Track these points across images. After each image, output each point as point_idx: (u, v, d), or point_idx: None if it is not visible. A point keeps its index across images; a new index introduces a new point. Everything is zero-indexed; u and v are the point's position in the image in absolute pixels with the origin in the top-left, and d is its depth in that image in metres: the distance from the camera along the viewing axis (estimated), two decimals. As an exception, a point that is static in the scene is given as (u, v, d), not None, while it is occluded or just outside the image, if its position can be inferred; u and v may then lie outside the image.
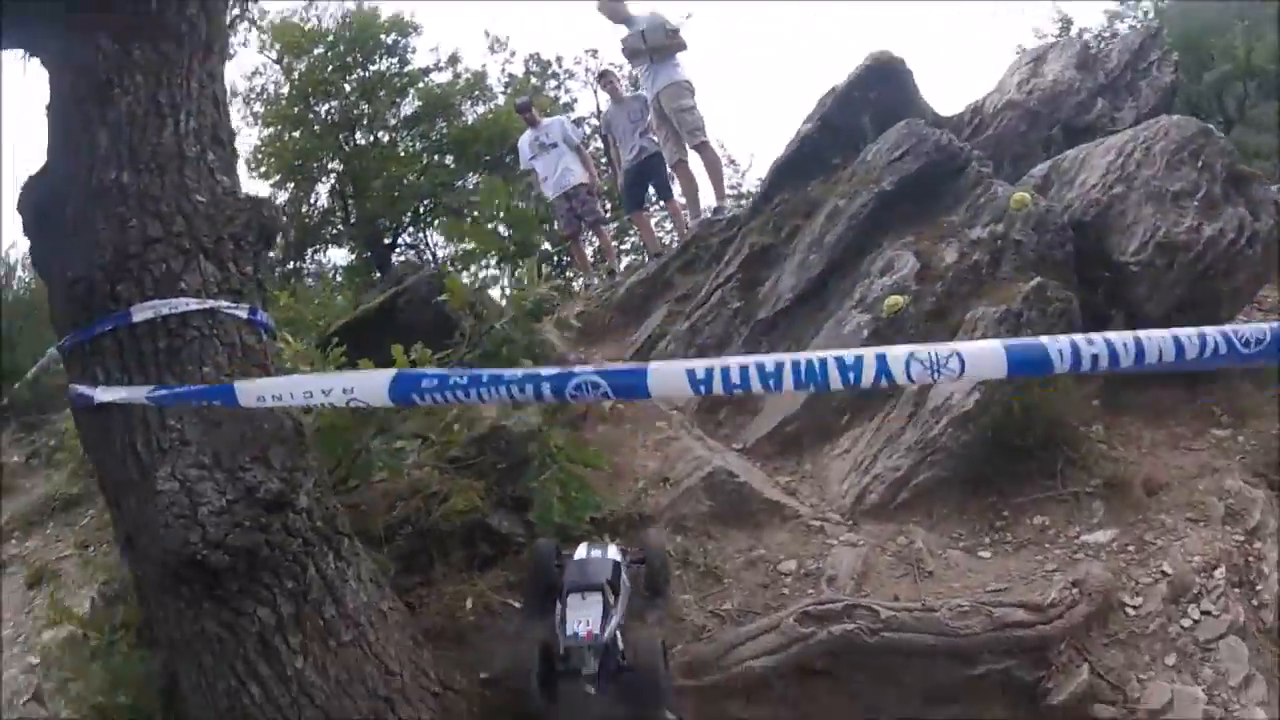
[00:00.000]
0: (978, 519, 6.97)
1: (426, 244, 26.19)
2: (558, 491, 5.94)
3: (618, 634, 4.26)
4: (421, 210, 24.89)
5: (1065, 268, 8.00)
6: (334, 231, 24.93)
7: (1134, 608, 6.23)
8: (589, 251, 13.12)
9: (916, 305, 7.99)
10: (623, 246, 21.32)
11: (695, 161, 11.22)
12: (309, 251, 24.82)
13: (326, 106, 23.83)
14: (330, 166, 24.36)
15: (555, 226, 12.88)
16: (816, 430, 7.98)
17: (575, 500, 6.03)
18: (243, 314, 4.14)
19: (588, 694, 4.05)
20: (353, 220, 24.28)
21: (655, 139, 11.21)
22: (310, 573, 4.15)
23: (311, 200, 24.51)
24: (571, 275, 21.02)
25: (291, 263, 23.84)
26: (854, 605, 5.81)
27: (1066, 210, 8.37)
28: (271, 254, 4.85)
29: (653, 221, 13.46)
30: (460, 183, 25.12)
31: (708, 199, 11.36)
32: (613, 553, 4.81)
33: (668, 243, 11.98)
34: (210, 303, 4.02)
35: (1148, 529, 6.77)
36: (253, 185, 25.54)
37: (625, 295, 10.63)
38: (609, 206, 13.85)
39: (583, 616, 4.01)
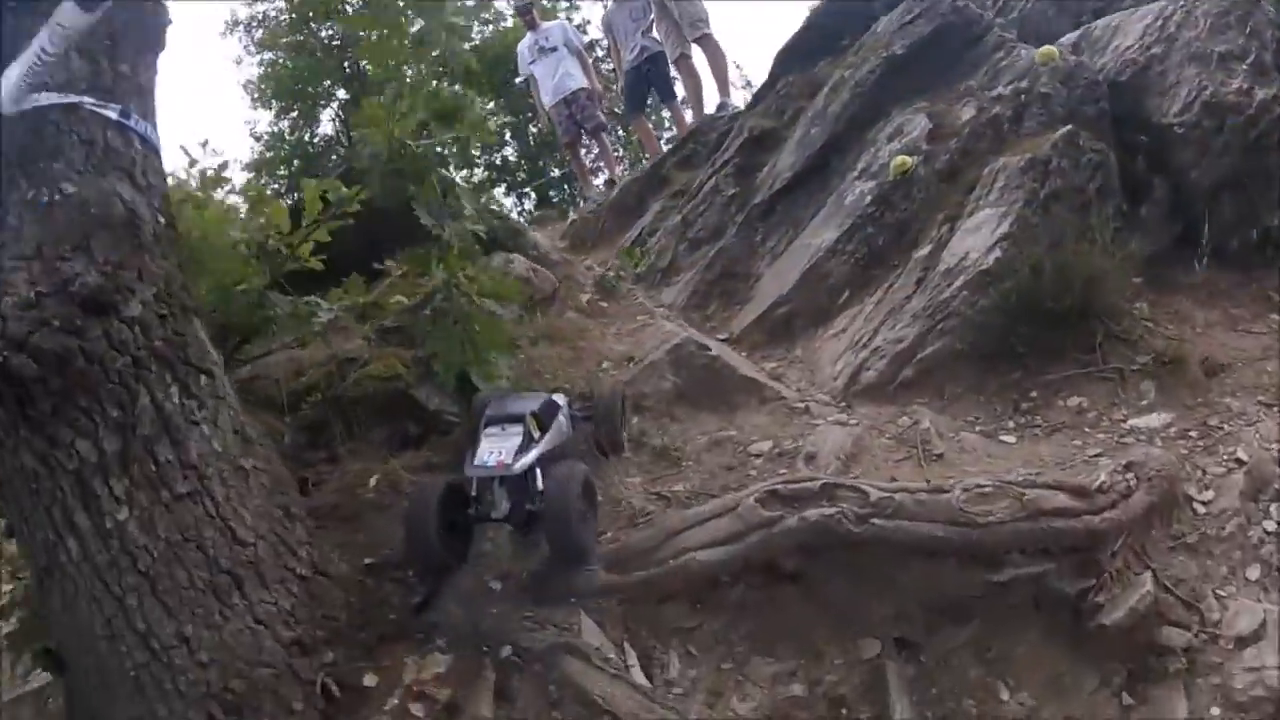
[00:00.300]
0: (999, 399, 4.92)
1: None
2: (461, 333, 4.04)
3: (536, 471, 3.21)
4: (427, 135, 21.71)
5: (1098, 126, 5.88)
6: (336, 159, 21.62)
7: (1203, 504, 4.16)
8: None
9: (927, 165, 5.92)
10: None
11: (699, 58, 9.19)
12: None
13: (327, 29, 20.53)
14: (333, 92, 20.81)
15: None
16: (811, 312, 5.96)
17: (480, 339, 4.12)
18: (111, 114, 3.22)
19: (496, 540, 3.23)
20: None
21: (658, 38, 9.15)
22: (143, 402, 3.10)
23: (314, 129, 21.01)
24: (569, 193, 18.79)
25: (294, 194, 20.85)
26: (836, 485, 3.80)
27: (1100, 71, 6.21)
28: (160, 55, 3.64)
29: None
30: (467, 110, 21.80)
31: (713, 98, 9.29)
32: (563, 403, 3.76)
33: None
34: (74, 98, 3.15)
35: (1211, 413, 4.69)
36: (253, 115, 23.12)
37: (619, 196, 8.63)
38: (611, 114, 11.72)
39: (496, 446, 3.05)
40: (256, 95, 21.07)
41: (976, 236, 5.30)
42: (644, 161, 9.43)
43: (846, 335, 5.57)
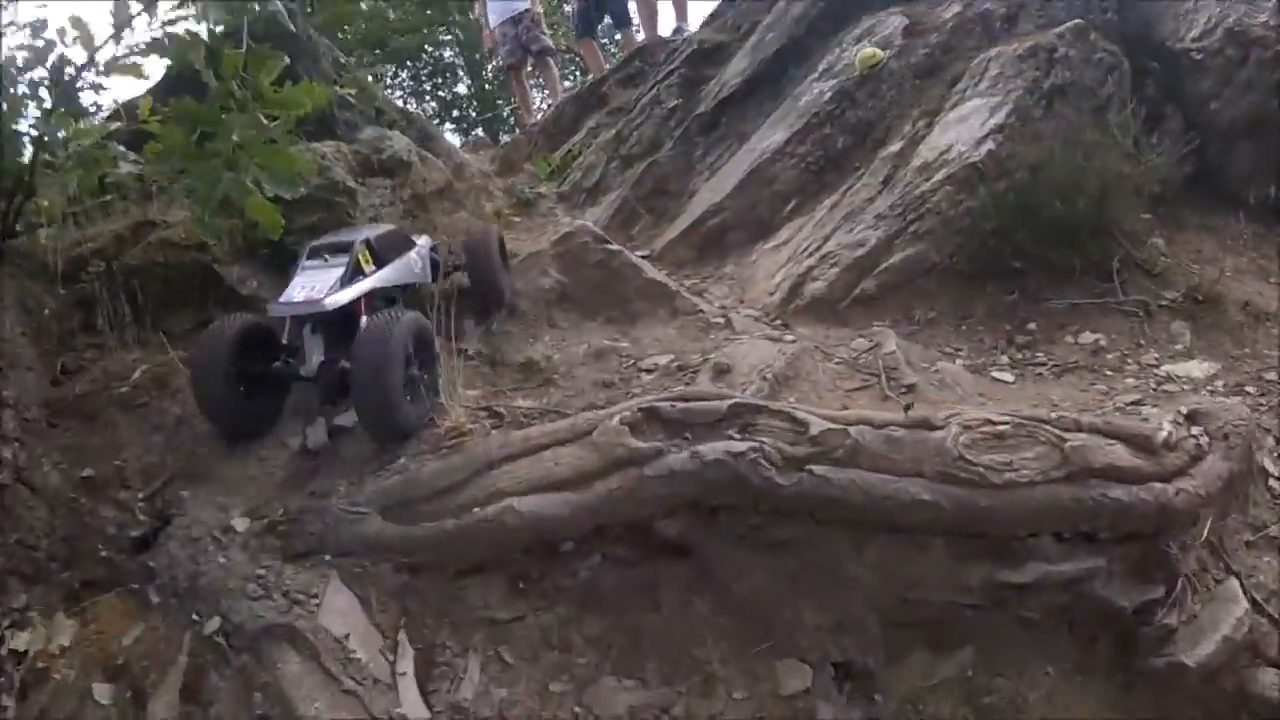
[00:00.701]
0: (987, 327, 3.05)
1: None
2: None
3: (362, 318, 1.84)
4: (380, 53, 15.18)
5: (1106, 38, 4.01)
6: None
7: (1280, 480, 2.35)
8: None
9: (900, 60, 4.02)
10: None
11: None
12: None
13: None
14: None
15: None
16: (750, 225, 4.07)
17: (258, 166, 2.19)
18: None
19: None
20: None
21: (613, -46, 7.12)
22: None
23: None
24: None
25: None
26: (755, 407, 1.92)
27: None
28: None
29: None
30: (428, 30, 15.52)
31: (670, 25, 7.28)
32: (422, 241, 2.44)
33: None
34: None
35: (1264, 366, 2.87)
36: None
37: (554, 115, 6.68)
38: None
39: (311, 281, 1.82)
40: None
41: (963, 128, 3.43)
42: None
43: (789, 246, 3.67)
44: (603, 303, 3.22)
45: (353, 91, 4.39)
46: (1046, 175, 3.11)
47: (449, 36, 13.08)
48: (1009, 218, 3.05)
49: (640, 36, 6.82)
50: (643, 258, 4.08)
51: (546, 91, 8.07)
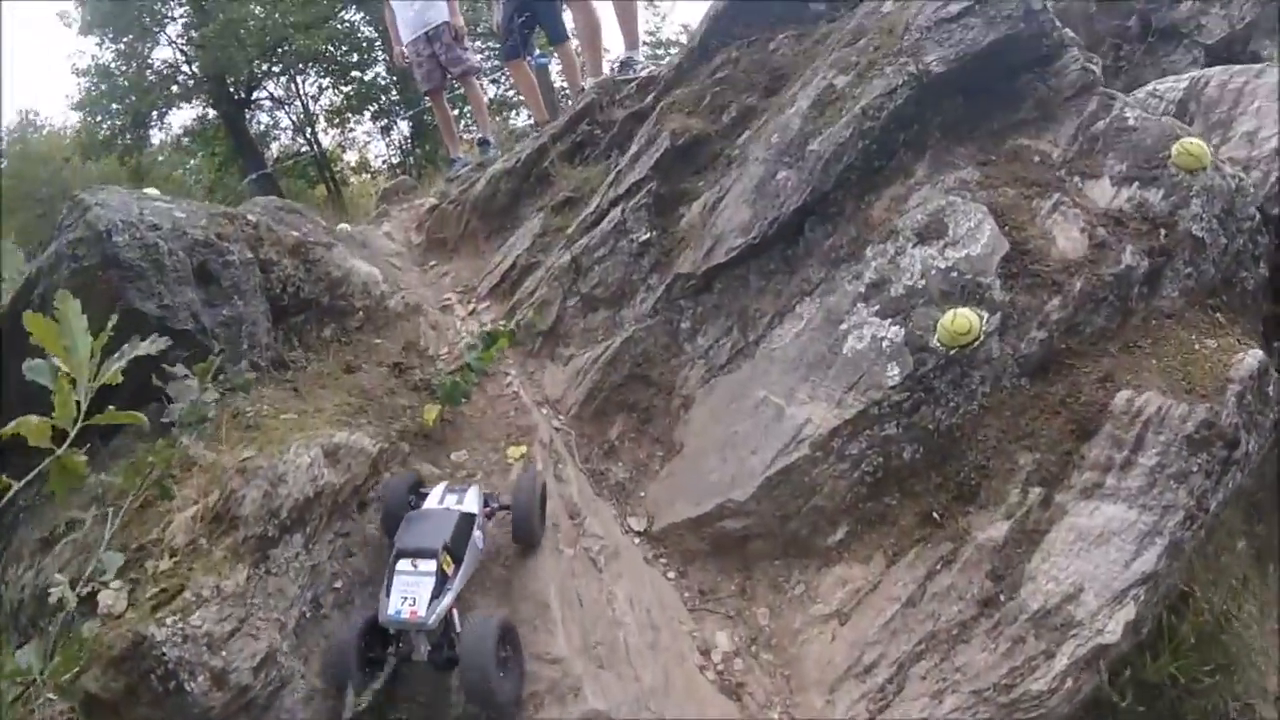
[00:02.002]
0: None
1: (299, 95, 15.72)
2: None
3: (454, 614, 2.20)
4: (283, 53, 14.13)
5: (1254, 298, 3.00)
6: (178, 89, 14.68)
7: None
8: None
9: (1004, 341, 2.89)
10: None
11: None
12: (153, 116, 14.95)
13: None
14: (168, 12, 14.40)
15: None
16: (783, 539, 3.09)
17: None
18: None
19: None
20: (196, 73, 14.40)
21: (548, -38, 5.20)
22: None
23: (147, 55, 14.37)
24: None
25: (130, 134, 14.25)
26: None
27: (1250, 190, 3.25)
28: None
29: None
30: (332, 21, 14.36)
31: (616, 47, 5.58)
32: (470, 500, 2.45)
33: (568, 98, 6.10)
34: None
35: None
36: (77, 43, 16.20)
37: (487, 191, 4.95)
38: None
39: (409, 592, 2.09)
40: (77, 23, 13.93)
41: (1096, 555, 2.46)
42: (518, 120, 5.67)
43: (849, 634, 2.71)
44: None
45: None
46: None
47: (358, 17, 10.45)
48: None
49: (583, 70, 5.11)
50: (638, 534, 3.08)
51: (475, 119, 6.15)
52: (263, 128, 16.30)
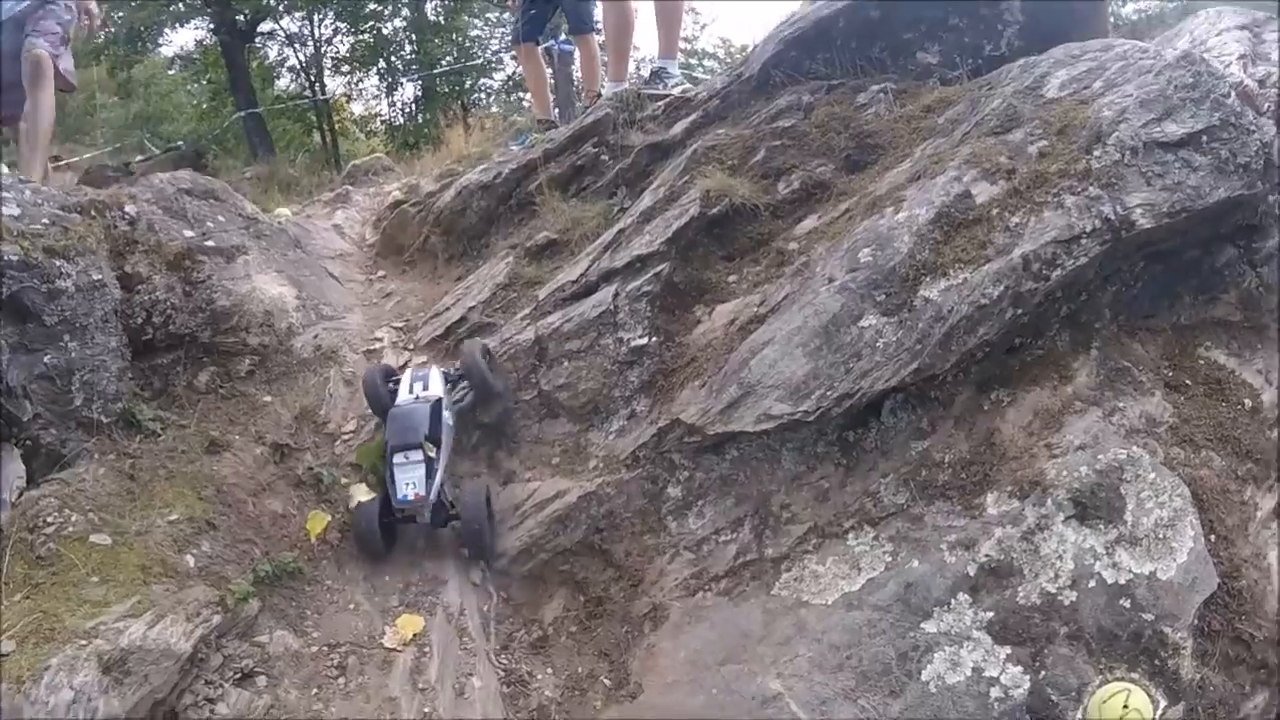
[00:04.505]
0: None
1: (313, 36, 13.46)
2: None
3: (444, 487, 2.50)
4: None
5: None
6: (183, 6, 12.49)
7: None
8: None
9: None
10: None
11: None
12: (157, 34, 12.89)
13: None
14: None
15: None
16: None
17: None
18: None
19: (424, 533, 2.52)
20: None
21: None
22: None
23: None
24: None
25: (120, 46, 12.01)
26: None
27: None
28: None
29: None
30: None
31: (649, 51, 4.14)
32: (434, 382, 2.66)
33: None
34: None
35: None
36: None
37: (455, 204, 3.44)
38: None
39: (408, 479, 2.46)
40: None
41: None
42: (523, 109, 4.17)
43: None
44: None
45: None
46: None
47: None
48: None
49: (605, 72, 3.66)
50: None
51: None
52: (269, 61, 14.24)
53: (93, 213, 2.54)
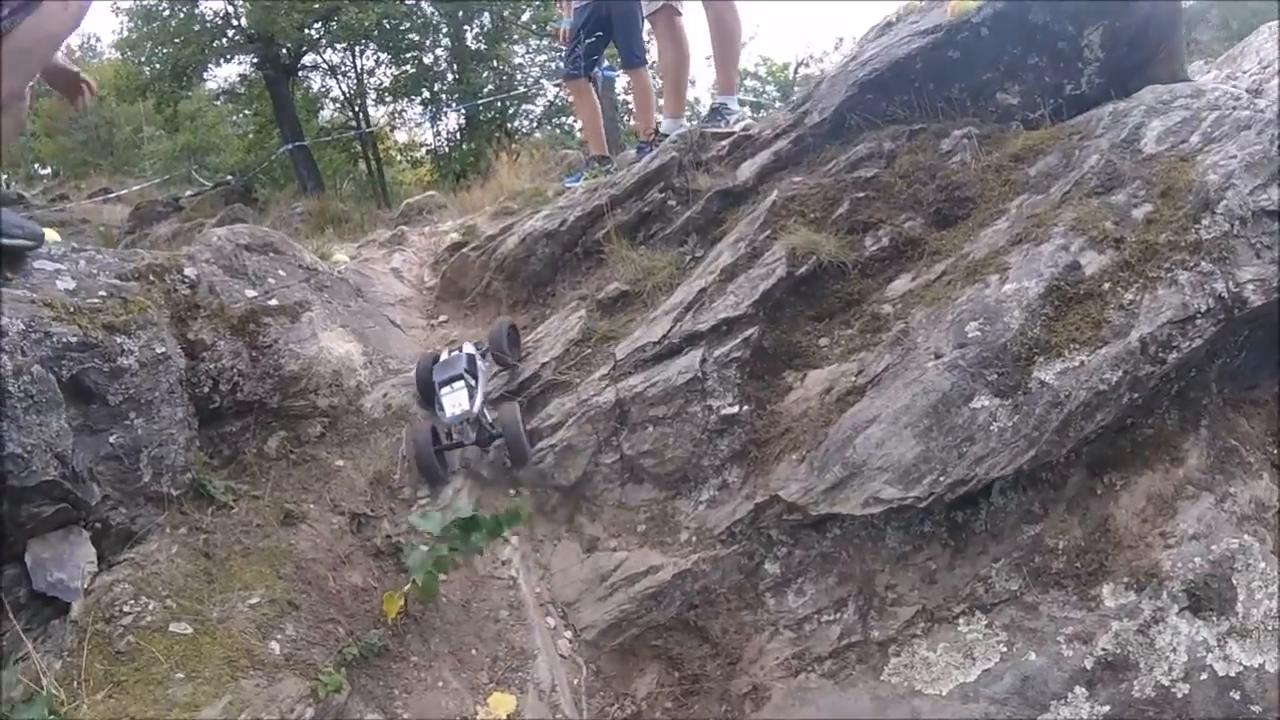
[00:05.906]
0: None
1: (355, 67, 13.69)
2: None
3: (484, 410, 2.79)
4: (334, 23, 12.29)
5: None
6: (226, 43, 12.64)
7: None
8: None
9: None
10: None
11: (693, 12, 3.77)
12: (201, 70, 13.13)
13: None
14: None
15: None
16: None
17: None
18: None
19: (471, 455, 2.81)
20: (244, 28, 12.37)
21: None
22: None
23: (196, 3, 12.41)
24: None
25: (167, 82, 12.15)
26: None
27: None
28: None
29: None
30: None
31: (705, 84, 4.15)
32: (468, 348, 2.98)
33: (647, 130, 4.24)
34: None
35: None
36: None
37: (520, 251, 3.32)
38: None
39: (454, 400, 2.77)
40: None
41: None
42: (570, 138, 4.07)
43: None
44: None
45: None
46: None
47: None
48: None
49: (661, 105, 3.57)
50: None
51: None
52: (313, 94, 14.30)
53: (151, 278, 2.39)
